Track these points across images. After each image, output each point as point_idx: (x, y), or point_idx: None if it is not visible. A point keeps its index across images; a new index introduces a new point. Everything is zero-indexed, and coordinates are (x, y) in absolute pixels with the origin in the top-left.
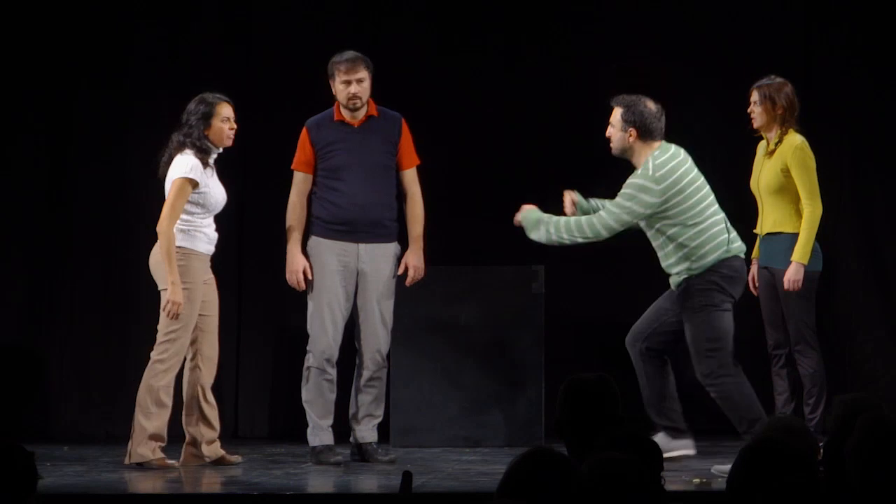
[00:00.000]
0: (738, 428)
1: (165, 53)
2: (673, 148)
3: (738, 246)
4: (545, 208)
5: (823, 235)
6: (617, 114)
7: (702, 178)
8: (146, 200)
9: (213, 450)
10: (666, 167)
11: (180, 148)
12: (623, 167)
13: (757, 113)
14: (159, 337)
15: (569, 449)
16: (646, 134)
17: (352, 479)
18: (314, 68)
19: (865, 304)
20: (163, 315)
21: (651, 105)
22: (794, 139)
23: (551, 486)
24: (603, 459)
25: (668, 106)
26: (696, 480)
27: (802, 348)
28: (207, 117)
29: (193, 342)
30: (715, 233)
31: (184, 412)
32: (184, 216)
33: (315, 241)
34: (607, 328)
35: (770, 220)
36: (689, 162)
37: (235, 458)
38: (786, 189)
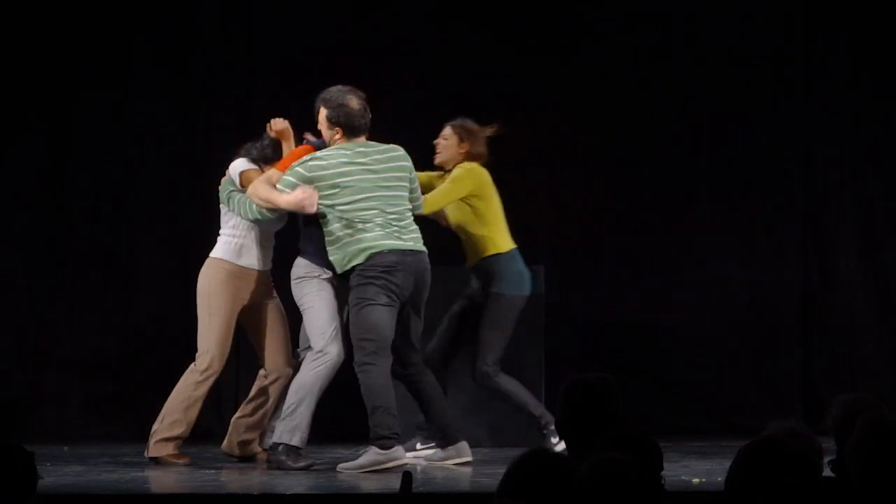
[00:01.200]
0: (369, 411)
1: (166, 53)
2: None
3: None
4: (545, 207)
5: (825, 235)
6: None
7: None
8: (146, 200)
9: (252, 448)
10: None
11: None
12: (622, 167)
13: (442, 146)
14: (199, 349)
15: (569, 449)
16: (349, 132)
17: (352, 480)
18: (314, 68)
19: (865, 304)
20: (200, 328)
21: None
22: (466, 163)
23: (551, 486)
24: (603, 459)
25: (669, 114)
26: (696, 480)
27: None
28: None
29: (263, 355)
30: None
31: (241, 410)
32: (232, 230)
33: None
34: (607, 328)
35: (467, 250)
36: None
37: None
38: (470, 216)
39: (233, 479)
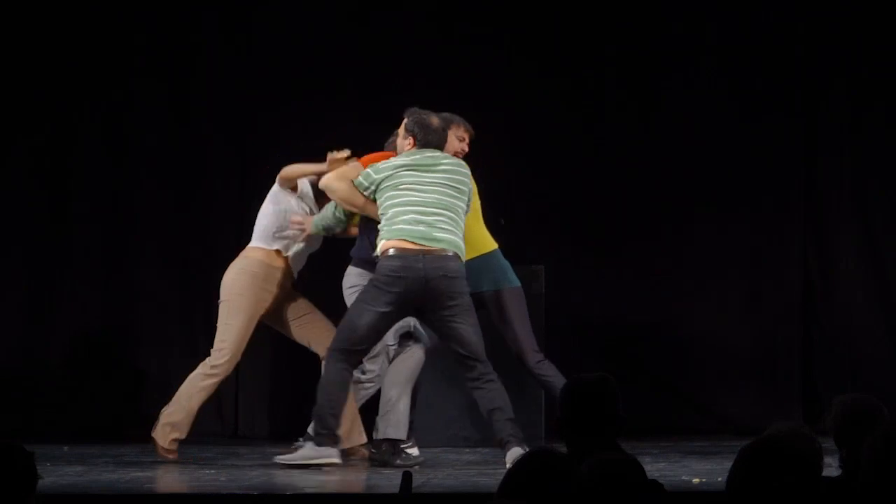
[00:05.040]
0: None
1: (166, 59)
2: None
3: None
4: (545, 207)
5: (825, 235)
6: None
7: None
8: (146, 200)
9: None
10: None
11: None
12: (622, 167)
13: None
14: (214, 345)
15: (569, 449)
16: (421, 143)
17: (352, 479)
18: (314, 77)
19: (865, 304)
20: (218, 325)
21: (434, 119)
22: None
23: (551, 486)
24: (603, 459)
25: (669, 114)
26: (696, 480)
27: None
28: None
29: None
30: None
31: None
32: (272, 225)
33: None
34: (607, 328)
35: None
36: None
37: (365, 453)
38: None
39: (233, 479)
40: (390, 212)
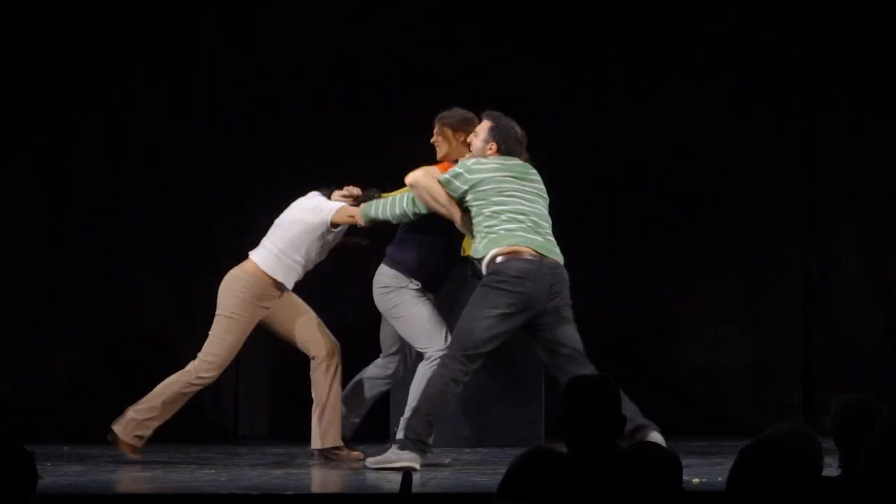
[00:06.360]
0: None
1: (166, 54)
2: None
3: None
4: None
5: (825, 235)
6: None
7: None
8: (146, 200)
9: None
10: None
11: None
12: (622, 168)
13: (438, 143)
14: (203, 355)
15: (569, 449)
16: (503, 150)
17: (352, 479)
18: (314, 69)
19: (865, 304)
20: (215, 336)
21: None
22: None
23: (551, 486)
24: (633, 449)
25: (669, 114)
26: (696, 480)
27: None
28: None
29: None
30: None
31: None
32: (293, 254)
33: None
34: (607, 328)
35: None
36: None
37: (356, 454)
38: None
39: (233, 479)
40: (503, 216)
